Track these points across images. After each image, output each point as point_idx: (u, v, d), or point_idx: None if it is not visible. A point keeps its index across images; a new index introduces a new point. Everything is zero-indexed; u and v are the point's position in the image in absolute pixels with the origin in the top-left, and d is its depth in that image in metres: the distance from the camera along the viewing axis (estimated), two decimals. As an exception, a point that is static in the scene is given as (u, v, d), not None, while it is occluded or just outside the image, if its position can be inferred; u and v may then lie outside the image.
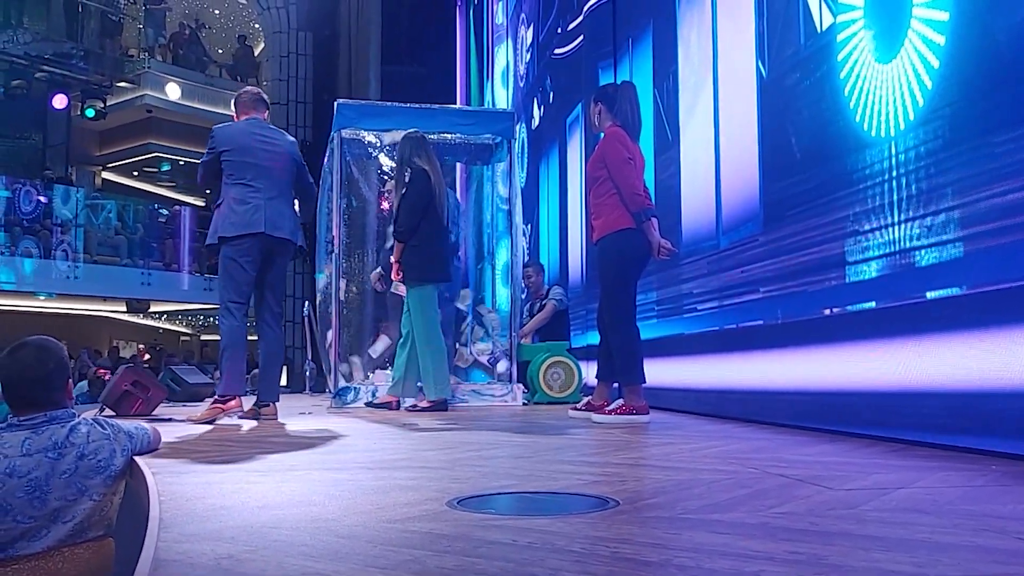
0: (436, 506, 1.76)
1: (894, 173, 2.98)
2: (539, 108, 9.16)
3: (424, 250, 4.92)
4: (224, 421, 4.21)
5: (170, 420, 4.36)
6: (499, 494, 1.97)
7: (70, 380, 2.76)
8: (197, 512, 1.75)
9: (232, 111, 4.68)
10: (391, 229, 5.39)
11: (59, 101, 16.77)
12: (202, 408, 4.46)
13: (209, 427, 3.98)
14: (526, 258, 7.21)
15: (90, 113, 16.51)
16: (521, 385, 5.95)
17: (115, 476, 2.58)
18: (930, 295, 2.79)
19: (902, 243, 2.93)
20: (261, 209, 4.30)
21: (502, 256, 6.76)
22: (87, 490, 2.51)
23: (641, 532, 1.51)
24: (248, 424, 4.18)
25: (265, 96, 4.71)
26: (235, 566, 1.29)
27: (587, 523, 1.59)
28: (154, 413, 4.92)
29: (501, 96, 11.40)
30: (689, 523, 1.58)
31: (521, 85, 10.15)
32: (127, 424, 2.79)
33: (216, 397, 4.30)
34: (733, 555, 1.31)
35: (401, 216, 4.96)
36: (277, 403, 4.48)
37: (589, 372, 5.64)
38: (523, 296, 6.72)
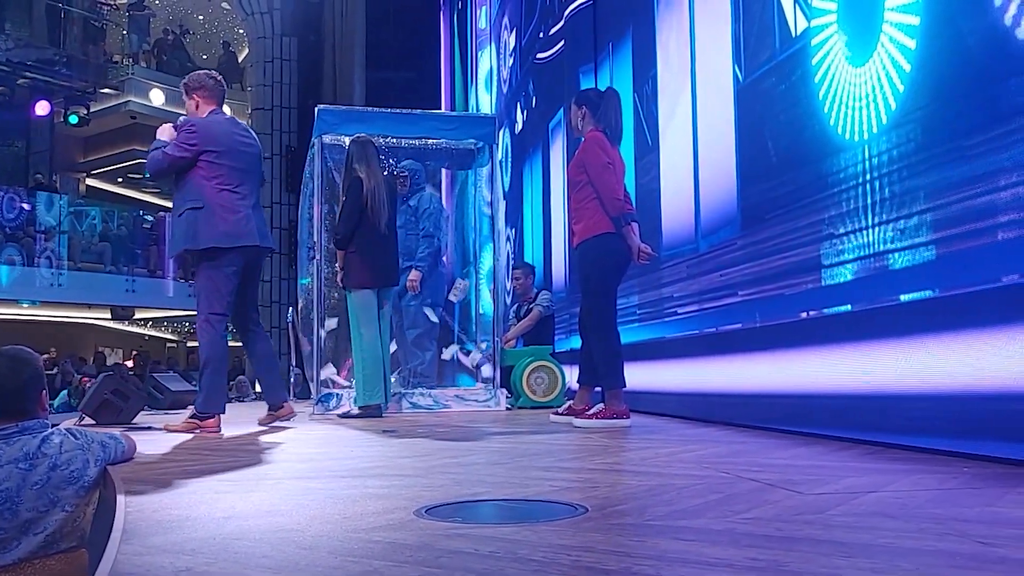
0: (404, 515, 1.75)
1: (867, 177, 3.00)
2: (522, 112, 9.16)
3: (359, 256, 4.95)
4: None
5: (148, 428, 4.32)
6: (470, 502, 1.96)
7: (44, 391, 2.73)
8: (163, 523, 1.74)
9: (193, 97, 4.26)
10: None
11: (42, 108, 16.66)
12: (183, 416, 4.34)
13: (189, 435, 3.94)
14: (511, 263, 7.20)
15: (73, 120, 16.42)
16: (504, 390, 5.94)
17: (88, 487, 2.56)
18: (904, 298, 2.80)
19: (877, 246, 2.94)
20: (251, 219, 4.13)
21: (486, 261, 6.75)
22: (59, 501, 2.49)
23: (605, 540, 1.50)
24: (226, 432, 4.13)
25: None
26: (193, 579, 1.28)
27: (553, 531, 1.59)
28: (134, 421, 4.88)
29: (485, 101, 11.39)
30: (655, 530, 1.58)
31: (505, 90, 10.16)
32: (101, 434, 2.76)
33: (195, 412, 4.11)
34: (694, 562, 1.31)
35: (338, 224, 5.02)
36: (288, 401, 4.41)
37: (573, 376, 5.63)
38: (507, 299, 6.70)
